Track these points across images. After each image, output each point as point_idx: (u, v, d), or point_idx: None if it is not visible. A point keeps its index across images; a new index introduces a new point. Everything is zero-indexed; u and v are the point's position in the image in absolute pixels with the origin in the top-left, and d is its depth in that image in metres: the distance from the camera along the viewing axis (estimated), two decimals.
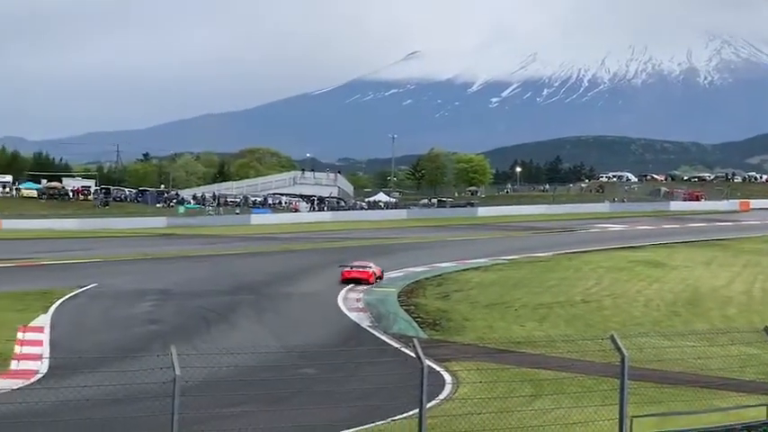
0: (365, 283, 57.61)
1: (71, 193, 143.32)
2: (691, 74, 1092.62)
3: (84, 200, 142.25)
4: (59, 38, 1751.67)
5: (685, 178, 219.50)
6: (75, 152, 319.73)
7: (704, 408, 23.11)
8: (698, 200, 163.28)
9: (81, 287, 54.60)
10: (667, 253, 77.85)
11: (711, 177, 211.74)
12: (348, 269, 59.42)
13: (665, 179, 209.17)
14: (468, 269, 67.33)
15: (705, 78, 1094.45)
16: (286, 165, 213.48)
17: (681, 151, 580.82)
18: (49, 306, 46.80)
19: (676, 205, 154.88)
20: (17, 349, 36.17)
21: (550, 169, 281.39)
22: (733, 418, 21.27)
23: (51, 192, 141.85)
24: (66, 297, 50.51)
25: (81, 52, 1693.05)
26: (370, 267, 59.96)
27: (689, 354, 28.46)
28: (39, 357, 34.88)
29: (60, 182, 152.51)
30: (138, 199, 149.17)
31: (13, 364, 33.67)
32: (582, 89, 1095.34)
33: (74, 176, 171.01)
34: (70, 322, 43.60)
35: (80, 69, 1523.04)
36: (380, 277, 60.17)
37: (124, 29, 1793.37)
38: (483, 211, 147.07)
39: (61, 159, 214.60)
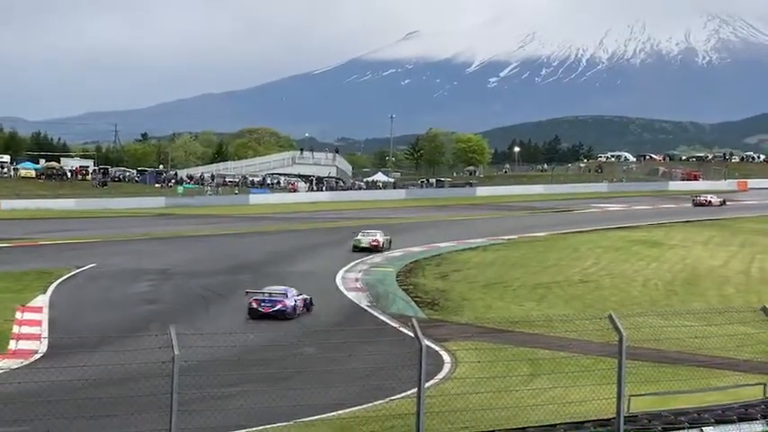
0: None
1: (69, 173, 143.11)
2: (689, 54, 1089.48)
3: (82, 180, 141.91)
4: (59, 17, 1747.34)
5: (683, 158, 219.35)
6: (73, 132, 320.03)
7: (702, 387, 23.17)
8: (696, 179, 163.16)
9: (79, 267, 54.66)
10: (665, 232, 77.89)
11: (709, 157, 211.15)
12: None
13: (664, 159, 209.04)
14: (466, 249, 67.38)
15: (703, 58, 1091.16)
16: (285, 145, 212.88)
17: (679, 131, 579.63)
18: (48, 286, 46.87)
19: (675, 185, 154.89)
20: (16, 329, 36.24)
21: (549, 149, 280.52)
22: (730, 396, 21.34)
23: (49, 172, 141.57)
24: (65, 277, 50.58)
25: (80, 32, 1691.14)
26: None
27: (686, 333, 28.46)
28: (37, 337, 34.95)
29: (59, 162, 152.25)
30: (137, 179, 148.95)
31: (12, 344, 33.73)
32: (580, 69, 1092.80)
33: (72, 156, 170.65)
34: (69, 302, 43.66)
35: (79, 49, 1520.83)
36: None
37: (123, 8, 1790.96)
38: (481, 191, 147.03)
39: (59, 139, 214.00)
